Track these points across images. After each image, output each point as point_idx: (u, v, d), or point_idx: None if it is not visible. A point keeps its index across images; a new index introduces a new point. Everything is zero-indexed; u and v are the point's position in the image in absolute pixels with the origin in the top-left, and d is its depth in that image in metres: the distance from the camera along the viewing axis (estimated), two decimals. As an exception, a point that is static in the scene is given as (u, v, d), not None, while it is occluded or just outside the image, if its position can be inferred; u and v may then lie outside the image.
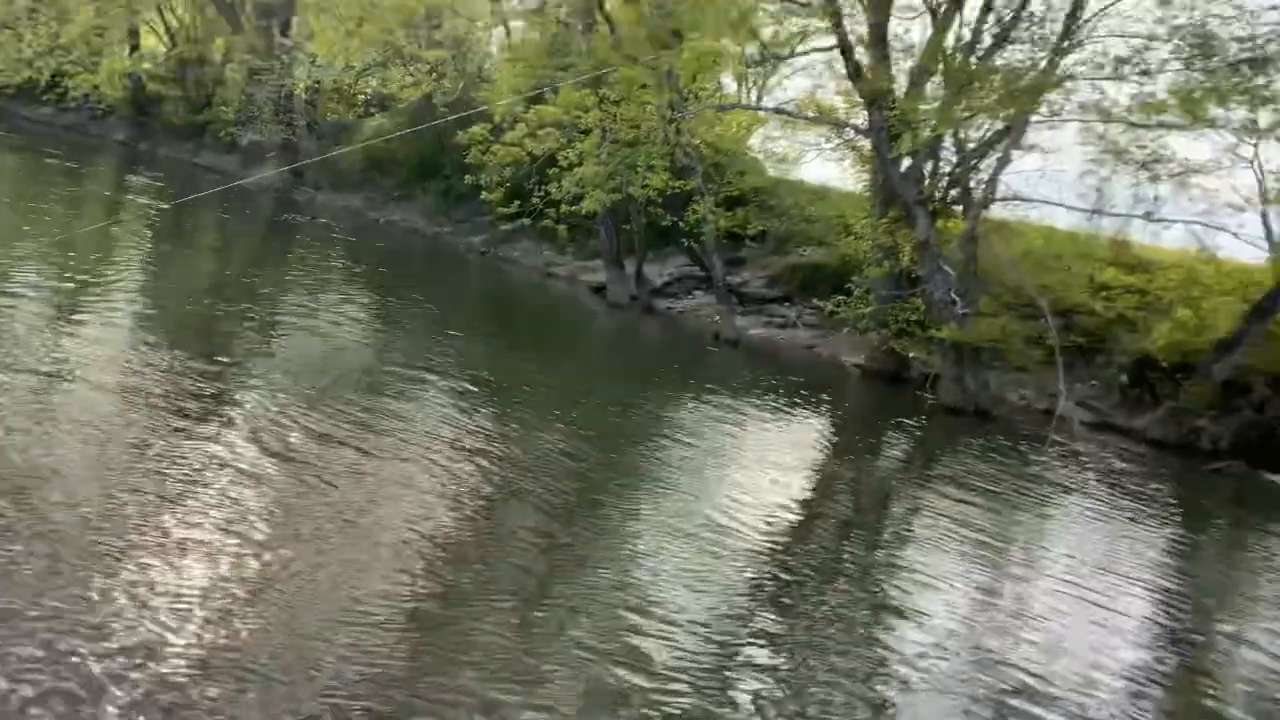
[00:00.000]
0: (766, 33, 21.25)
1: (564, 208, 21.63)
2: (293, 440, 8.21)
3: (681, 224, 21.07)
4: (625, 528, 8.15)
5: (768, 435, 13.34)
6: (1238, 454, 16.63)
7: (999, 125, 17.64)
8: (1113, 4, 16.88)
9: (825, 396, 17.38)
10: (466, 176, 23.60)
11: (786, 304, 23.04)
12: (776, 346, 21.67)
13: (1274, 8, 16.11)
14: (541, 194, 22.19)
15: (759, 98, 29.12)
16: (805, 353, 21.45)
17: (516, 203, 22.84)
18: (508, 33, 26.28)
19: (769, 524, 8.92)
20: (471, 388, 11.56)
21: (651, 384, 15.51)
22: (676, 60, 19.06)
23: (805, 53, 20.54)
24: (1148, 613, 8.58)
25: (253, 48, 30.99)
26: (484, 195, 23.13)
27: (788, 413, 14.99)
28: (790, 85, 27.99)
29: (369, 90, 26.43)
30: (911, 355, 18.23)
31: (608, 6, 21.60)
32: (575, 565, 7.12)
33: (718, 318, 21.28)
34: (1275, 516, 14.35)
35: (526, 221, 22.97)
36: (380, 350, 13.38)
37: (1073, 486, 13.24)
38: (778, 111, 23.10)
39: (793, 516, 9.60)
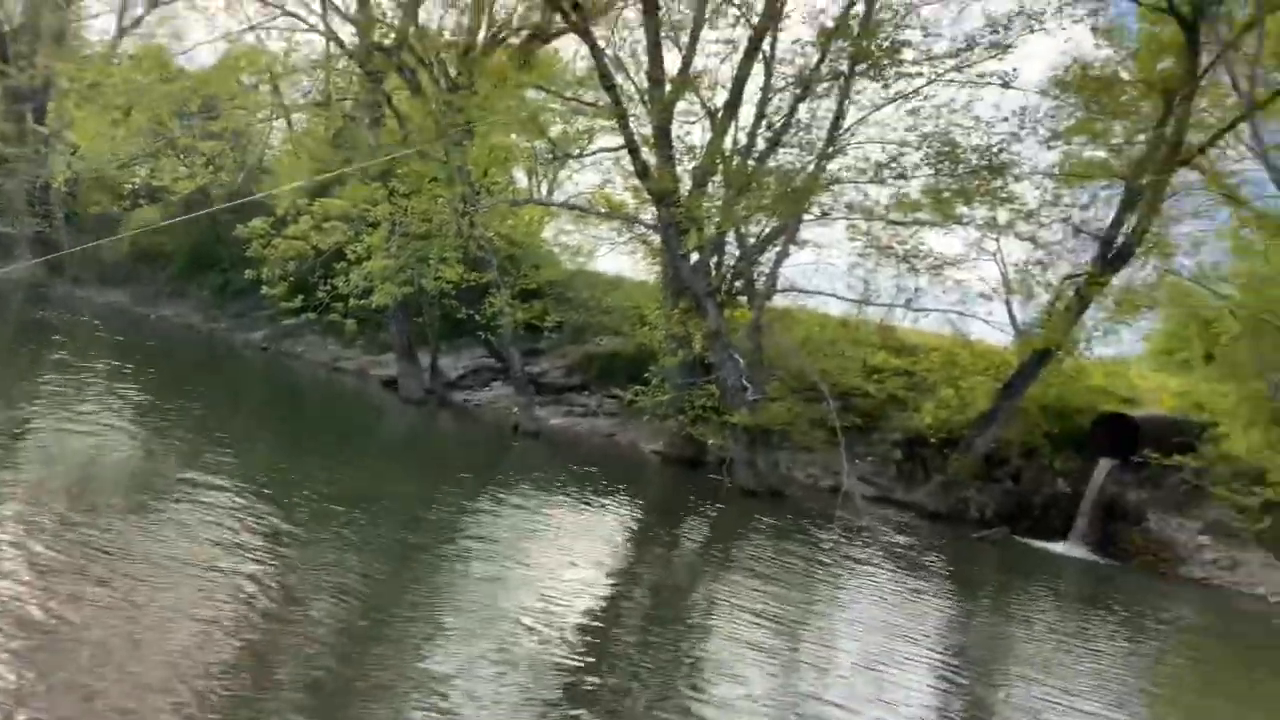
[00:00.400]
0: (555, 131, 21.87)
1: (352, 301, 21.01)
2: (39, 571, 7.33)
3: (477, 316, 20.94)
4: (419, 651, 7.67)
5: (570, 528, 13.23)
6: (1001, 521, 18.11)
7: (776, 222, 18.81)
8: (870, 114, 18.57)
9: (626, 485, 17.50)
10: (246, 270, 22.55)
11: (585, 393, 23.26)
12: (577, 436, 21.75)
13: (1005, 119, 18.27)
14: (328, 288, 21.48)
15: (551, 192, 29.74)
16: (606, 441, 21.64)
17: (300, 297, 21.97)
18: (289, 124, 25.68)
19: (572, 620, 8.78)
20: (249, 497, 10.78)
21: (448, 481, 15.09)
22: (467, 155, 19.17)
23: (594, 152, 21.21)
24: (938, 685, 9.03)
25: (2, 135, 28.64)
26: (265, 290, 22.14)
27: (590, 503, 14.96)
28: (581, 180, 28.85)
29: (137, 181, 24.91)
30: (708, 441, 18.75)
31: (396, 100, 21.53)
32: (359, 698, 6.65)
33: (516, 409, 21.15)
34: (1034, 579, 15.58)
35: (312, 316, 22.11)
36: (146, 459, 12.30)
37: (858, 561, 13.87)
38: (569, 207, 23.64)
39: (596, 609, 9.50)
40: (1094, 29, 19.09)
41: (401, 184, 19.77)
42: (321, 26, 21.05)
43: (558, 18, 19.37)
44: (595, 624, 9.03)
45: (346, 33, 21.10)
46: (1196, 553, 16.93)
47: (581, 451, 20.32)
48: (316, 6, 20.78)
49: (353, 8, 20.76)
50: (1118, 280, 18.85)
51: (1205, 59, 17.47)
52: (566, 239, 24.18)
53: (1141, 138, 18.91)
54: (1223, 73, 17.53)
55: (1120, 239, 18.26)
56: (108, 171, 23.87)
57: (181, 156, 23.48)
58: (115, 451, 12.24)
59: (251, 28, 22.43)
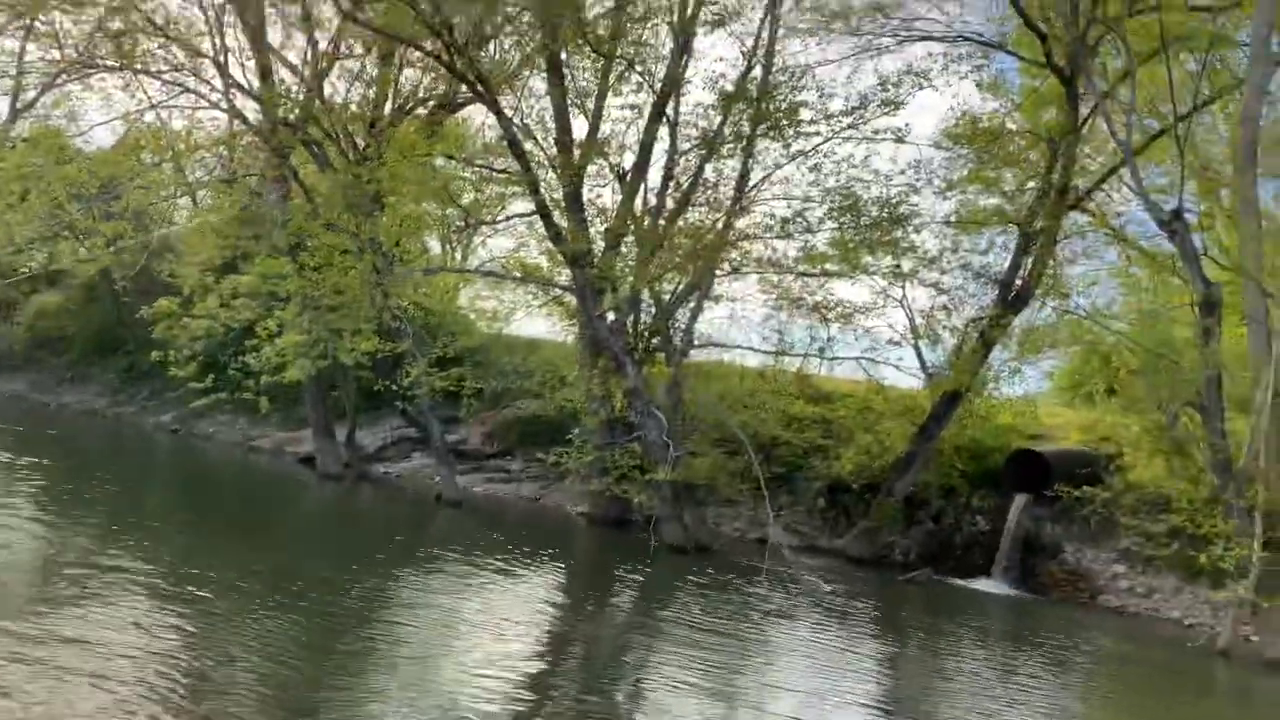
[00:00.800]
0: (467, 198, 21.96)
1: (265, 378, 20.57)
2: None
3: (395, 386, 20.67)
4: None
5: (497, 597, 13.01)
6: (925, 563, 18.39)
7: (690, 279, 19.10)
8: (773, 172, 19.15)
9: (554, 549, 17.33)
10: (152, 352, 21.93)
11: (508, 458, 23.06)
12: (501, 502, 21.50)
13: (902, 172, 19.01)
14: (239, 365, 21.00)
15: (466, 258, 29.71)
16: (531, 506, 21.44)
17: (211, 376, 21.43)
18: (195, 202, 25.22)
19: (501, 694, 8.61)
20: (164, 586, 10.39)
21: (371, 557, 14.71)
22: (378, 226, 19.09)
23: (507, 218, 21.34)
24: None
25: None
26: (173, 371, 21.54)
27: (517, 570, 14.75)
28: (496, 245, 28.85)
29: (34, 265, 24.15)
30: (634, 499, 18.69)
31: (303, 174, 21.38)
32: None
33: (438, 479, 20.82)
34: (960, 619, 15.81)
35: (223, 395, 21.56)
36: (48, 554, 11.73)
37: (787, 614, 13.91)
38: (484, 273, 23.65)
39: (526, 681, 9.32)
40: (978, 84, 20.12)
41: (312, 257, 19.55)
42: (224, 103, 20.86)
43: (464, 88, 19.54)
44: (526, 696, 8.85)
45: (251, 109, 20.96)
46: (1113, 581, 17.41)
47: (507, 518, 20.09)
48: (218, 84, 20.62)
49: (255, 84, 20.64)
50: (1019, 321, 19.55)
51: (1084, 109, 18.46)
52: (483, 304, 24.10)
53: (1031, 184, 19.77)
54: (1102, 121, 18.51)
55: (1018, 281, 18.98)
56: (3, 257, 23.10)
57: (81, 239, 22.87)
58: (18, 547, 11.65)
59: (152, 106, 22.13)
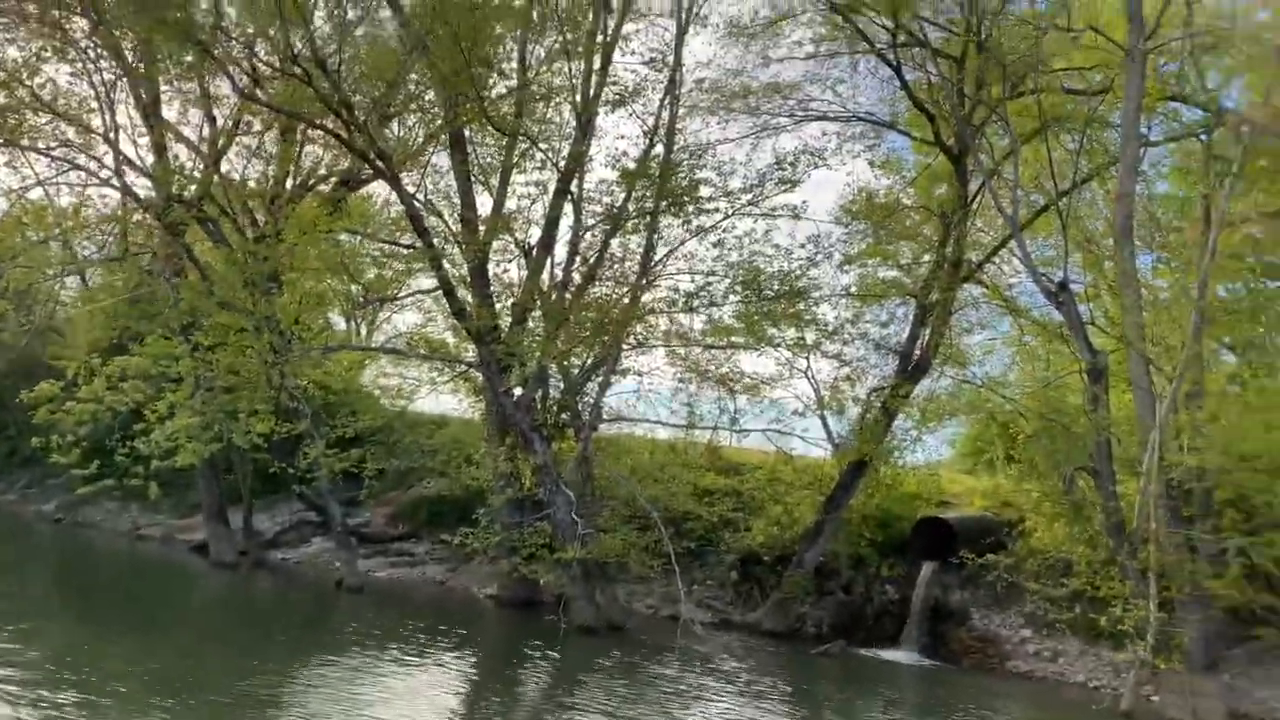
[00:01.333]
0: (370, 275, 21.62)
1: (155, 462, 19.63)
2: None
3: (293, 469, 19.94)
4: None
5: (403, 683, 12.45)
6: (837, 634, 18.29)
7: (598, 353, 19.03)
8: (678, 247, 19.33)
9: (460, 633, 16.74)
10: (34, 438, 20.78)
11: (413, 540, 22.42)
12: (406, 586, 20.79)
13: (803, 246, 19.41)
14: (127, 450, 20.02)
15: (370, 334, 29.18)
16: (437, 590, 20.78)
17: (97, 462, 20.38)
18: (84, 280, 24.26)
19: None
20: (44, 688, 9.63)
21: (268, 651, 13.98)
22: (275, 303, 18.59)
23: (410, 294, 21.06)
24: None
25: None
26: (55, 457, 20.43)
27: (422, 658, 14.16)
28: (402, 320, 28.47)
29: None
30: (542, 580, 18.24)
31: (198, 251, 20.78)
32: None
33: (339, 564, 20.06)
34: (872, 691, 15.70)
35: (109, 482, 20.49)
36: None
37: (700, 693, 13.62)
38: (386, 351, 23.20)
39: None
40: (871, 163, 20.83)
41: (206, 337, 18.90)
42: (116, 180, 20.20)
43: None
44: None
45: (143, 185, 20.36)
46: (1020, 646, 17.57)
47: (412, 603, 19.40)
48: (109, 160, 20.00)
49: (149, 160, 20.10)
50: (920, 390, 19.98)
51: (974, 185, 19.23)
52: (387, 381, 23.58)
53: (927, 257, 20.44)
54: (991, 197, 19.26)
55: (917, 352, 19.44)
56: None
57: (-43, 321, 21.79)
58: None
59: (39, 183, 21.36)
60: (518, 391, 18.73)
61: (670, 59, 19.02)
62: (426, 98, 19.81)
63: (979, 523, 19.36)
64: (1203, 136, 17.62)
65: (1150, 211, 19.64)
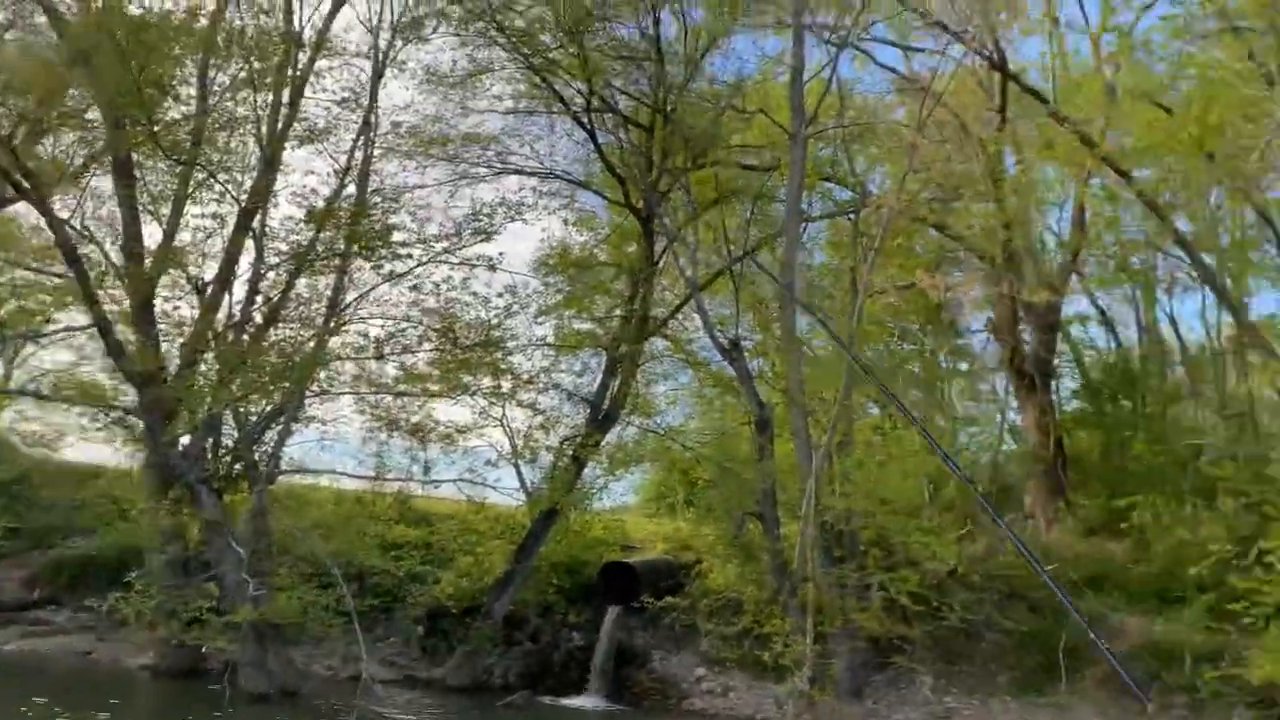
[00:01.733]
0: (11, 306, 19.11)
1: None
2: None
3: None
4: None
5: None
6: (524, 684, 18.27)
7: (278, 400, 17.93)
8: (370, 291, 18.75)
9: (106, 710, 14.91)
10: None
11: (52, 608, 19.79)
12: (43, 660, 18.30)
13: (500, 295, 19.57)
14: None
15: (9, 374, 25.64)
16: (81, 662, 18.46)
17: None
18: None
19: None
20: None
21: None
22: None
23: (56, 331, 18.80)
24: None
25: None
26: None
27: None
28: (49, 358, 25.24)
29: None
30: (205, 646, 16.71)
31: None
32: None
33: (-44, 639, 17.27)
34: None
35: None
36: None
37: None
38: (25, 393, 20.50)
39: None
40: (565, 221, 21.58)
41: None
42: None
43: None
44: None
45: None
46: (696, 685, 18.41)
47: (49, 678, 17.04)
48: None
49: None
50: (609, 438, 20.68)
51: (660, 246, 20.40)
52: (27, 426, 20.80)
53: (618, 311, 21.34)
54: (674, 257, 20.50)
55: (607, 402, 20.15)
56: None
57: None
58: None
59: None
60: (185, 440, 17.23)
61: (365, 100, 18.61)
62: (88, 116, 18.00)
63: (660, 565, 20.21)
64: (851, 215, 19.94)
65: (810, 279, 21.78)
